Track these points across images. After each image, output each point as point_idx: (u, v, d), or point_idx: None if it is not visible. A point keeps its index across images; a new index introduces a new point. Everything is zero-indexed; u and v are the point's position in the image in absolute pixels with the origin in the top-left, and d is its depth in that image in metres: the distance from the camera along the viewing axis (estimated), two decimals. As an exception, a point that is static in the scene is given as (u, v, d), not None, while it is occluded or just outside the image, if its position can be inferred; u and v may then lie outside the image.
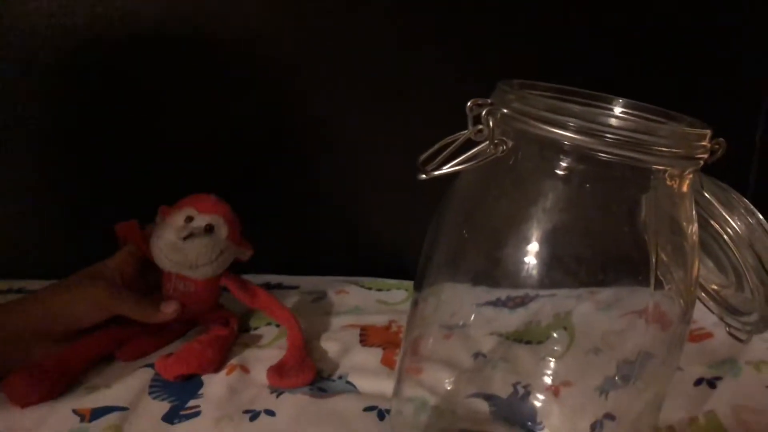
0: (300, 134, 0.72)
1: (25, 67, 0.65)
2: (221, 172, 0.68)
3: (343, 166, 0.73)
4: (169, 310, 0.54)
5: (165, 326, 0.56)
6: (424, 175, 0.34)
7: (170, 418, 0.46)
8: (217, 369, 0.52)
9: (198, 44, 0.68)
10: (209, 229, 0.55)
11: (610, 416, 0.43)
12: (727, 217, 0.37)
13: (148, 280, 0.57)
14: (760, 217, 0.37)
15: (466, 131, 0.35)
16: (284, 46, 0.69)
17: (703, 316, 0.57)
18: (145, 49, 0.67)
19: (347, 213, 0.75)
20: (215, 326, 0.56)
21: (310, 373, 0.51)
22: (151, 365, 0.52)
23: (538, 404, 0.47)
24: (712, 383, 0.51)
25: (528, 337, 0.53)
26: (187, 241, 0.53)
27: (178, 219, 0.55)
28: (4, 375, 0.46)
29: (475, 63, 0.69)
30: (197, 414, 0.47)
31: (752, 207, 0.37)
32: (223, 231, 0.56)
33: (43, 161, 0.69)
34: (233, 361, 0.53)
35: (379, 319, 0.61)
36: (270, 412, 0.47)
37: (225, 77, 0.69)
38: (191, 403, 0.48)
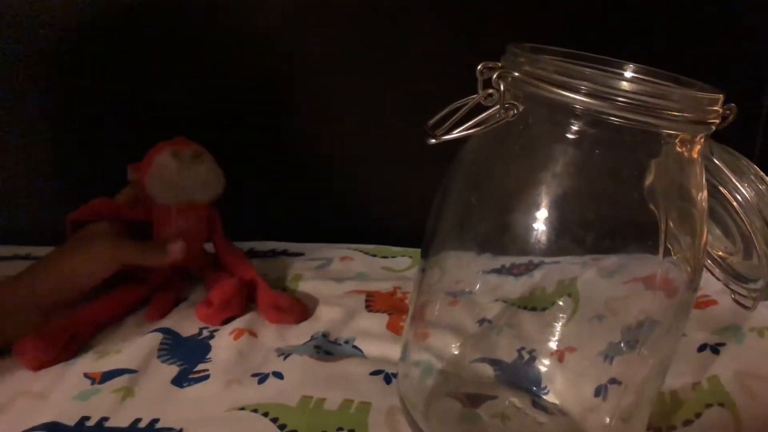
0: (304, 100, 0.72)
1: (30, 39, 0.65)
2: (225, 141, 0.68)
3: (349, 132, 0.73)
4: (175, 248, 0.55)
5: (168, 282, 0.58)
6: (433, 140, 0.34)
7: (179, 381, 0.47)
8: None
9: (199, 13, 0.67)
10: (199, 154, 0.59)
11: (614, 381, 0.44)
12: (737, 183, 0.37)
13: None
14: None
15: (475, 95, 0.35)
16: (288, 12, 0.68)
17: (708, 284, 0.57)
18: (147, 18, 0.66)
19: (352, 180, 0.75)
20: (224, 275, 0.58)
21: (303, 309, 0.56)
22: (161, 329, 0.52)
23: (542, 369, 0.48)
24: (715, 349, 0.51)
25: (533, 304, 0.54)
26: (191, 163, 0.57)
27: (165, 157, 0.57)
28: (17, 341, 0.47)
29: (483, 26, 0.68)
30: (206, 377, 0.47)
31: (762, 173, 0.37)
32: (209, 156, 0.60)
33: (47, 127, 0.69)
34: (241, 326, 0.53)
35: (384, 285, 0.62)
36: (278, 375, 0.48)
37: (229, 47, 0.68)
38: (200, 366, 0.49)
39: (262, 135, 0.72)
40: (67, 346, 0.49)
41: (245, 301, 0.56)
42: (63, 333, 0.49)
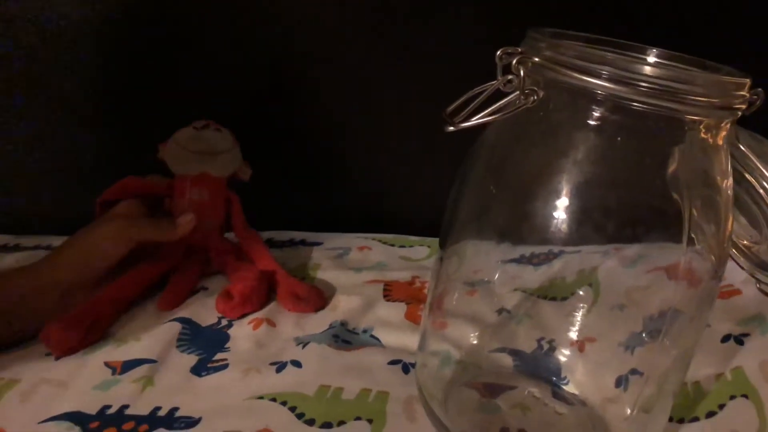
0: (323, 91, 0.71)
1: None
2: (244, 131, 0.68)
3: (367, 122, 0.72)
4: (185, 220, 0.56)
5: (182, 260, 0.58)
6: (451, 127, 0.33)
7: (198, 370, 0.47)
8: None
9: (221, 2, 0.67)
10: (216, 127, 0.61)
11: (636, 372, 0.43)
12: (764, 170, 0.36)
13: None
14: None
15: (494, 81, 0.34)
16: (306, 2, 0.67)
17: (732, 273, 0.56)
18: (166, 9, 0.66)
19: (371, 170, 0.75)
20: (243, 264, 0.58)
21: (321, 297, 0.56)
22: (178, 319, 0.53)
23: (562, 359, 0.47)
24: (739, 340, 0.50)
25: (552, 294, 0.53)
26: (204, 130, 0.60)
27: (183, 128, 0.60)
28: (42, 326, 0.48)
29: (504, 13, 0.67)
30: (225, 366, 0.47)
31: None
32: (226, 131, 0.62)
33: (67, 118, 0.69)
34: (259, 315, 0.54)
35: (403, 275, 0.61)
36: (296, 363, 0.48)
37: (251, 36, 0.68)
38: (219, 355, 0.49)
39: (281, 125, 0.71)
40: (91, 330, 0.49)
41: (266, 295, 0.56)
42: (86, 317, 0.49)
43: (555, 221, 0.35)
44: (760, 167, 0.36)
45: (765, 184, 0.36)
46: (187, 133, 0.60)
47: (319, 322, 0.54)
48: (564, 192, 0.34)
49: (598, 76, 0.30)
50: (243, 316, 0.54)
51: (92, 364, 0.47)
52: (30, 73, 0.67)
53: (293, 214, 0.73)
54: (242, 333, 0.52)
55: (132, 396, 0.44)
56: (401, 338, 0.51)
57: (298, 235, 0.71)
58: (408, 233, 0.72)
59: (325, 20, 0.68)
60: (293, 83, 0.71)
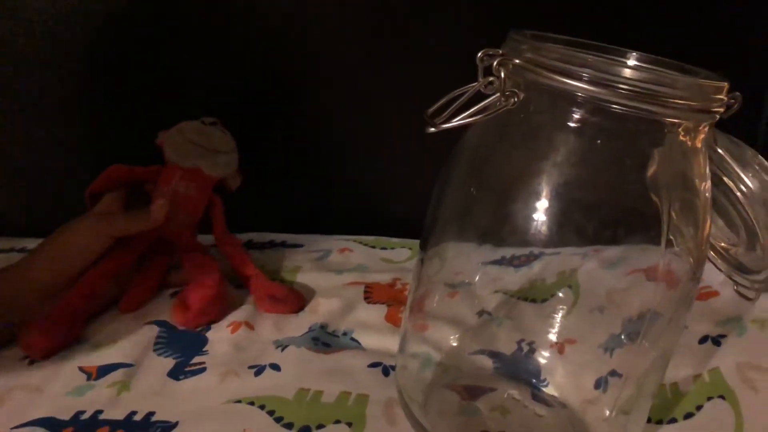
0: (304, 94, 0.71)
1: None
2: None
3: (348, 125, 0.72)
4: (158, 205, 0.54)
5: (150, 256, 0.57)
6: (432, 128, 0.33)
7: (175, 374, 0.46)
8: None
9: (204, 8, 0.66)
10: (223, 127, 0.61)
11: (615, 373, 0.43)
12: (741, 173, 0.36)
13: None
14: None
15: (475, 83, 0.34)
16: (295, 5, 0.67)
17: (710, 275, 0.57)
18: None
19: (353, 171, 0.74)
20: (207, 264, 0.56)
21: (299, 299, 0.55)
22: (156, 322, 0.52)
23: (542, 361, 0.47)
24: (716, 341, 0.51)
25: (533, 296, 0.53)
26: (210, 126, 0.60)
27: (190, 121, 0.60)
28: (20, 329, 0.47)
29: (487, 15, 0.67)
30: (203, 370, 0.47)
31: (766, 164, 0.36)
32: (231, 136, 0.62)
33: (42, 118, 0.68)
34: (238, 318, 0.53)
35: (384, 277, 0.61)
36: (275, 367, 0.47)
37: (234, 37, 0.68)
38: (196, 359, 0.48)
39: (261, 127, 0.71)
40: (69, 329, 0.48)
41: (226, 302, 0.54)
42: (62, 317, 0.48)
43: (535, 223, 0.35)
44: (738, 170, 0.36)
45: (742, 187, 0.36)
46: (193, 125, 0.60)
47: (299, 324, 0.53)
48: (544, 194, 0.34)
49: (579, 79, 0.30)
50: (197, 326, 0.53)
51: (67, 369, 0.46)
52: (4, 72, 0.66)
53: (274, 216, 0.72)
54: (220, 336, 0.51)
55: (107, 401, 0.43)
56: (381, 340, 0.51)
57: (278, 236, 0.70)
58: (390, 235, 0.72)
59: (308, 25, 0.68)
60: (273, 88, 0.70)
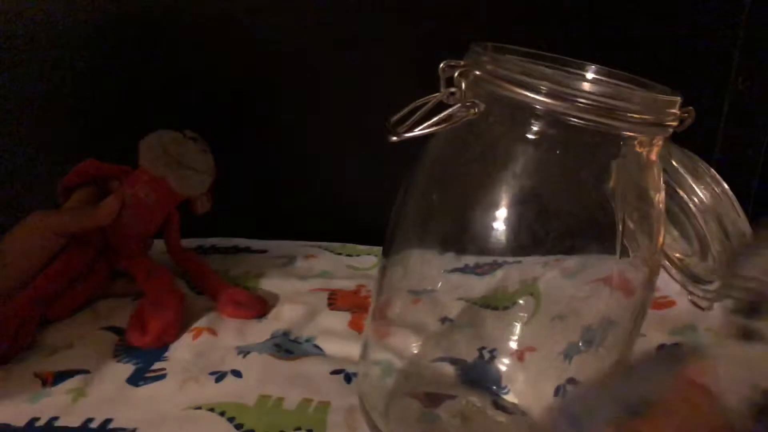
0: (269, 100, 0.71)
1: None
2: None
3: (313, 131, 0.72)
4: (106, 204, 0.53)
5: (93, 262, 0.55)
6: (394, 137, 0.33)
7: (134, 380, 0.46)
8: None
9: (180, 17, 0.66)
10: (204, 145, 0.60)
11: (573, 380, 0.44)
12: (694, 186, 0.37)
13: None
14: (726, 186, 0.37)
15: (437, 93, 0.35)
16: (261, 17, 0.67)
17: (668, 285, 0.58)
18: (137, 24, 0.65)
19: (318, 178, 0.74)
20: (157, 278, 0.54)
21: (262, 304, 0.55)
22: (114, 329, 0.51)
23: (503, 368, 0.48)
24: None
25: (494, 303, 0.54)
26: (189, 141, 0.59)
27: (173, 131, 0.59)
28: None
29: (448, 27, 0.68)
30: (162, 376, 0.46)
31: (719, 177, 0.38)
32: (210, 158, 0.60)
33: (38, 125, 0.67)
34: (200, 324, 0.52)
35: (348, 284, 0.61)
36: (236, 373, 0.47)
37: (212, 44, 0.68)
38: (156, 365, 0.48)
39: (227, 132, 0.70)
40: (19, 334, 0.47)
41: (181, 321, 0.52)
42: (10, 323, 0.47)
43: (495, 232, 0.36)
44: (691, 183, 0.37)
45: (695, 199, 0.37)
46: (172, 134, 0.58)
47: (262, 331, 0.53)
48: (503, 204, 0.35)
49: (537, 92, 0.31)
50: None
51: (21, 375, 0.45)
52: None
53: (238, 221, 0.72)
54: (182, 342, 0.50)
55: (63, 407, 0.42)
56: (344, 347, 0.51)
57: (242, 242, 0.70)
58: (358, 242, 0.72)
59: (275, 32, 0.68)
60: (239, 93, 0.70)
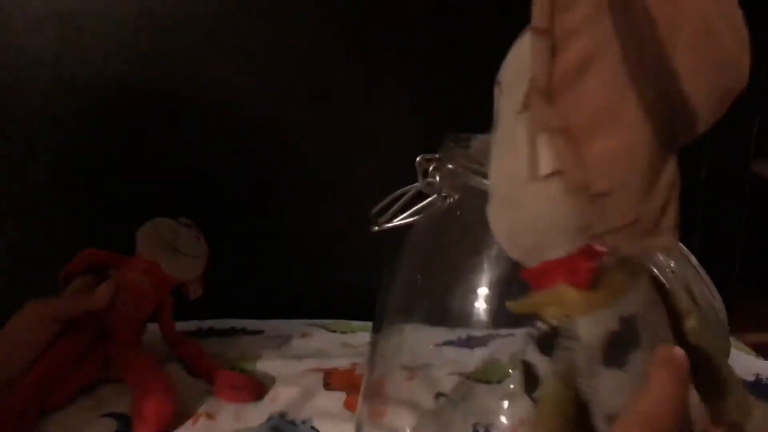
0: (263, 179, 0.74)
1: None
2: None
3: (307, 210, 0.75)
4: (100, 289, 0.54)
5: (89, 352, 0.56)
6: (376, 227, 0.35)
7: (134, 469, 0.46)
8: None
9: (165, 97, 0.69)
10: (198, 233, 0.62)
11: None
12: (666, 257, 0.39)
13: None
14: (694, 260, 0.39)
15: (417, 184, 0.37)
16: (254, 95, 0.71)
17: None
18: (116, 99, 0.69)
19: (312, 255, 0.76)
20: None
21: (258, 387, 0.56)
22: (115, 415, 0.52)
23: (497, 444, 0.48)
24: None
25: (487, 377, 0.54)
26: (184, 227, 0.61)
27: (170, 220, 0.61)
28: None
29: (432, 113, 0.72)
30: (162, 464, 0.47)
31: (686, 250, 0.39)
32: (205, 247, 0.62)
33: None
34: (198, 410, 0.53)
35: (343, 362, 0.62)
36: (234, 459, 0.47)
37: (194, 129, 0.71)
38: (156, 453, 0.48)
39: (219, 213, 0.73)
40: (18, 425, 0.48)
41: (174, 400, 0.53)
42: (10, 416, 0.48)
43: (476, 311, 0.37)
44: (662, 259, 0.39)
45: (667, 270, 0.39)
46: (167, 221, 0.61)
47: (259, 414, 0.53)
48: (481, 286, 0.36)
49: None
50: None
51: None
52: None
53: (233, 301, 0.73)
54: (183, 429, 0.51)
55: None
56: (340, 428, 0.51)
57: (239, 323, 0.71)
58: (351, 317, 0.73)
59: (268, 111, 0.71)
60: (228, 174, 0.73)
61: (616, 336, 0.24)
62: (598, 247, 0.23)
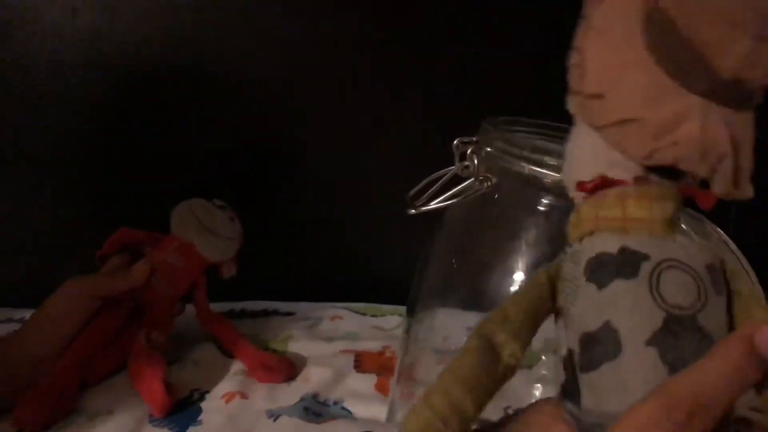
0: (297, 162, 0.74)
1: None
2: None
3: (339, 193, 0.75)
4: (137, 267, 0.56)
5: (126, 329, 0.57)
6: (413, 210, 0.35)
7: (171, 445, 0.47)
8: None
9: (198, 80, 0.70)
10: (233, 216, 0.63)
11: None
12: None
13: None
14: (735, 247, 0.38)
15: (453, 167, 0.37)
16: (281, 84, 0.71)
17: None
18: (150, 82, 0.69)
19: (343, 238, 0.77)
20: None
21: (291, 367, 0.57)
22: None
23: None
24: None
25: (519, 361, 0.54)
26: (219, 209, 0.62)
27: (206, 201, 0.62)
28: (16, 402, 0.47)
29: (467, 97, 0.71)
30: (197, 441, 0.48)
31: (726, 237, 0.39)
32: (239, 227, 0.63)
33: (38, 189, 0.71)
34: (231, 388, 0.54)
35: (374, 345, 0.63)
36: (268, 438, 0.48)
37: (227, 111, 0.71)
38: (191, 430, 0.49)
39: (252, 196, 0.73)
40: (61, 401, 0.49)
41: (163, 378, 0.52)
42: (54, 388, 0.49)
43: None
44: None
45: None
46: (202, 201, 0.62)
47: (291, 394, 0.54)
48: (518, 271, 0.36)
49: (545, 166, 0.33)
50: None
51: (63, 441, 0.47)
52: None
53: (266, 284, 0.74)
54: (214, 406, 0.52)
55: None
56: (372, 410, 0.52)
57: (271, 305, 0.72)
58: (380, 302, 0.73)
59: (300, 99, 0.71)
60: (265, 157, 0.73)
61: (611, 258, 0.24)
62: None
